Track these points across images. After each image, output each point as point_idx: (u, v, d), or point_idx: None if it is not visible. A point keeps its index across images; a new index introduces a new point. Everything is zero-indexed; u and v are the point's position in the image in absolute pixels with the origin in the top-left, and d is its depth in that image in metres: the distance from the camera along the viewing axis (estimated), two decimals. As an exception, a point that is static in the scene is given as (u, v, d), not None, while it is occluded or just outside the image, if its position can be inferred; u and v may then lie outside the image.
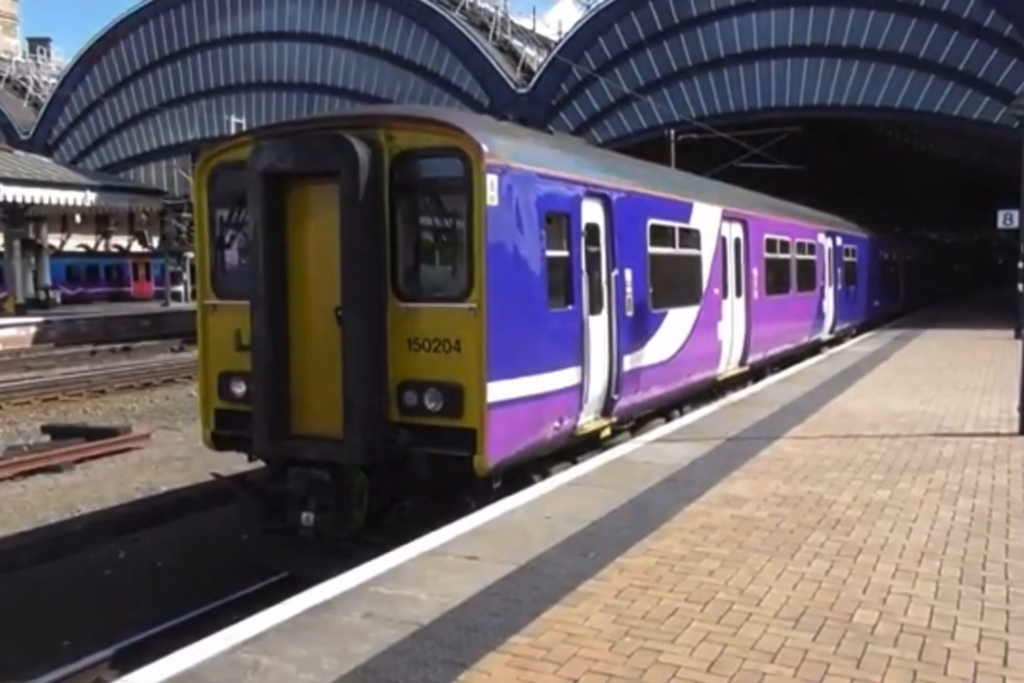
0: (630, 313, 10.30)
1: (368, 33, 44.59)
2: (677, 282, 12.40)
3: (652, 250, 11.11)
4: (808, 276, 19.99)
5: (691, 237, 12.83)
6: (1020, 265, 21.92)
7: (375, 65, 44.53)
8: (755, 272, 15.62)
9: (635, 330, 10.47)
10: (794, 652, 4.63)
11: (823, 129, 32.27)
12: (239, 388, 8.37)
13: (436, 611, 5.18)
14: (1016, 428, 10.58)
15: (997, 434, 10.46)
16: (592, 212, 9.58)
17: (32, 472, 13.30)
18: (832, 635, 4.84)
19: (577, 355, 9.07)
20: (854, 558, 6.10)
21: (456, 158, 7.67)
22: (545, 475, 8.83)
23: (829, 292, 22.06)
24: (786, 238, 18.04)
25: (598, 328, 9.61)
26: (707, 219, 13.36)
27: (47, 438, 15.84)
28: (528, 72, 41.87)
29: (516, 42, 44.87)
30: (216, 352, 8.65)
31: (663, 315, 11.45)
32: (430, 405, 7.70)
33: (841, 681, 4.31)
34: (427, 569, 5.93)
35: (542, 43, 46.92)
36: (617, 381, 9.90)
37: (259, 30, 47.62)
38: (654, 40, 37.99)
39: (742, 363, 15.09)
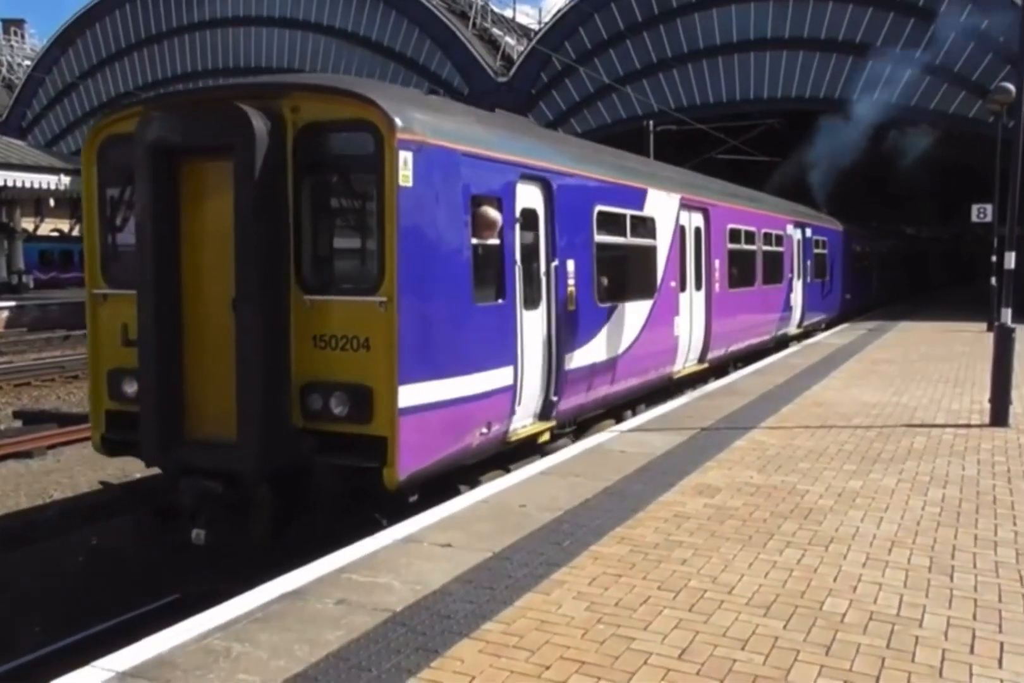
0: (573, 307, 9.61)
1: (347, 20, 44.28)
2: (629, 274, 11.81)
3: (600, 239, 10.36)
4: (775, 268, 19.32)
5: (645, 226, 12.04)
6: (993, 259, 22.12)
7: (353, 52, 44.24)
8: (717, 264, 14.94)
9: (579, 326, 9.82)
10: (765, 639, 4.67)
11: (802, 122, 32.27)
12: (130, 387, 7.52)
13: (409, 598, 5.18)
14: (987, 419, 10.70)
15: (968, 425, 10.58)
16: (529, 197, 8.85)
17: (3, 458, 13.17)
18: (802, 623, 4.88)
19: (509, 354, 8.36)
20: (825, 547, 6.16)
21: (366, 132, 6.88)
22: (474, 484, 8.12)
23: (798, 285, 21.49)
24: (751, 228, 17.30)
25: (534, 324, 8.91)
26: (663, 207, 12.59)
27: (19, 423, 15.70)
28: (508, 61, 41.73)
29: (496, 31, 44.70)
30: (106, 347, 7.80)
31: (612, 309, 10.81)
32: (337, 409, 6.93)
33: (811, 668, 4.35)
34: (401, 556, 5.93)
35: (522, 32, 46.75)
36: (557, 381, 9.23)
37: (236, 15, 47.20)
38: (634, 31, 37.93)
39: (702, 359, 14.52)
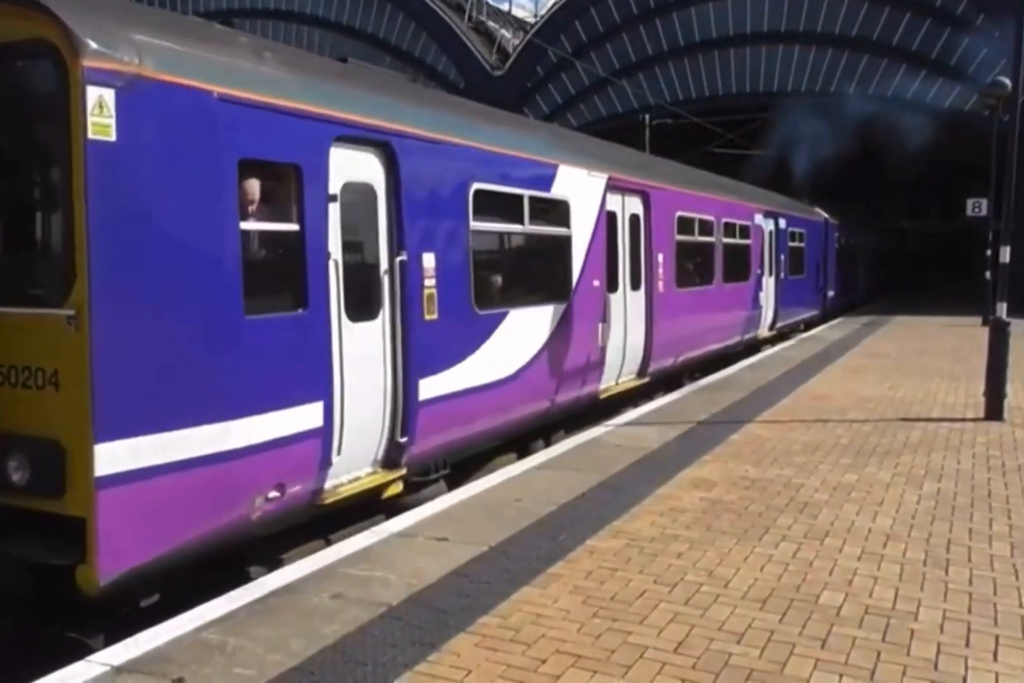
0: (433, 316, 7.38)
1: (342, 12, 44.12)
2: (528, 272, 9.65)
3: (480, 226, 8.18)
4: (740, 263, 17.22)
5: (553, 211, 9.79)
6: (988, 253, 22.17)
7: (349, 45, 43.97)
8: (661, 258, 12.72)
9: (444, 341, 7.58)
10: (761, 633, 4.67)
11: (796, 116, 32.27)
12: None
13: (405, 592, 5.18)
14: (982, 413, 10.72)
15: (963, 419, 10.59)
16: (359, 166, 6.70)
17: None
18: (798, 616, 4.89)
19: (317, 384, 6.17)
20: (821, 541, 6.16)
21: (43, 59, 4.75)
22: (275, 564, 6.01)
23: (769, 282, 19.45)
24: (708, 217, 15.07)
25: (368, 340, 6.73)
26: (581, 188, 10.33)
27: None
28: (504, 54, 41.62)
29: (492, 24, 44.58)
30: None
31: (500, 317, 8.54)
32: (15, 475, 4.89)
33: (806, 661, 4.35)
34: (397, 551, 5.93)
35: (518, 25, 46.64)
36: (407, 416, 7.01)
37: (232, 7, 46.98)
38: (630, 24, 37.85)
39: (641, 373, 12.29)
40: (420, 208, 7.27)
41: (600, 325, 10.80)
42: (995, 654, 4.45)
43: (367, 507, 6.97)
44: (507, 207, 8.88)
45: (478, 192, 8.14)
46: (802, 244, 22.73)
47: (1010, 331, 10.83)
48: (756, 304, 18.43)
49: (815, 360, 16.20)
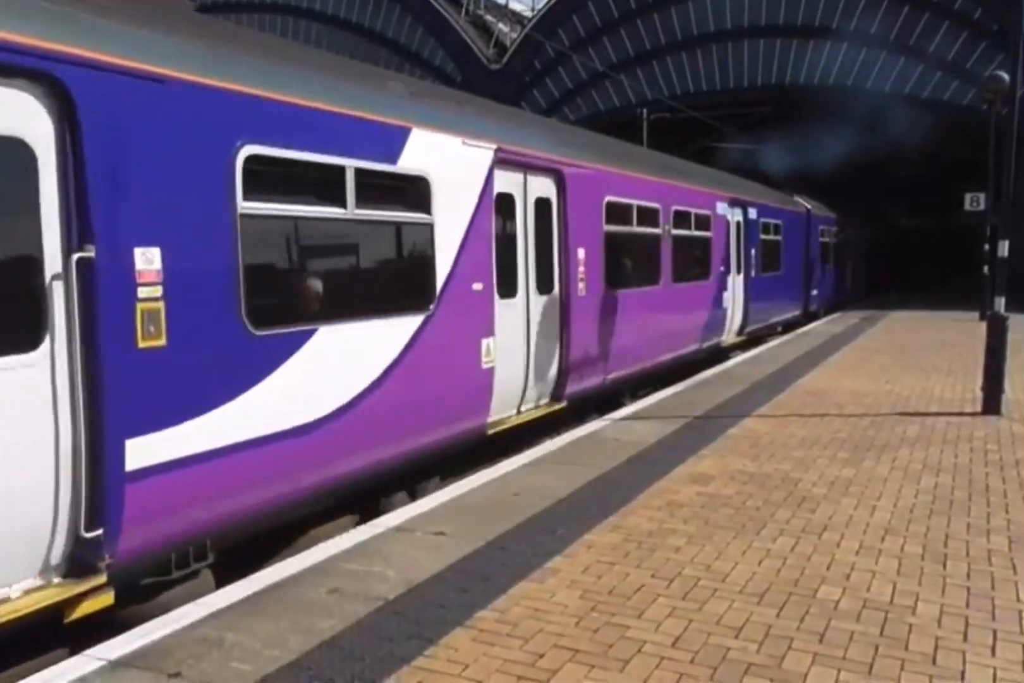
0: (157, 342, 5.08)
1: (339, 6, 44.01)
2: (355, 273, 7.11)
3: (255, 209, 5.79)
4: (698, 259, 15.09)
5: (404, 191, 7.46)
6: (986, 247, 22.17)
7: (346, 39, 43.92)
8: (582, 254, 10.37)
9: (182, 376, 5.25)
10: (758, 627, 4.67)
11: (795, 110, 32.24)
12: None
13: (403, 587, 5.17)
14: (979, 408, 10.72)
15: (960, 413, 10.59)
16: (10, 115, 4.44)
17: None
18: (796, 610, 4.88)
19: None
20: (819, 535, 6.16)
21: None
22: None
23: (736, 281, 17.33)
24: (651, 205, 12.80)
25: (17, 385, 4.45)
26: (452, 162, 7.91)
27: None
28: (501, 48, 41.53)
29: (489, 18, 44.49)
30: None
31: (301, 338, 6.19)
32: None
33: (804, 656, 4.35)
34: (394, 545, 5.92)
35: (515, 19, 46.55)
36: (101, 497, 4.77)
37: (228, 1, 46.87)
38: (628, 19, 37.77)
39: (557, 397, 10.04)
40: (128, 180, 4.94)
41: (485, 341, 8.46)
42: (993, 649, 4.45)
43: (44, 634, 4.82)
44: (315, 183, 6.51)
45: (255, 159, 5.79)
46: (778, 237, 20.56)
47: (1008, 326, 10.83)
48: (719, 306, 16.19)
49: (812, 355, 16.21)
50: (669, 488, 7.31)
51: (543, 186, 9.73)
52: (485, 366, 8.48)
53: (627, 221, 12.02)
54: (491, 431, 8.70)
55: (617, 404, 11.73)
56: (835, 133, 30.28)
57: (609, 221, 11.24)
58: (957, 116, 32.03)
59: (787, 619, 4.77)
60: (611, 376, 11.43)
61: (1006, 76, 15.48)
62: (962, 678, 4.13)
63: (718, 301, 16.13)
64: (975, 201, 25.40)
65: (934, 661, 4.31)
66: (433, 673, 4.16)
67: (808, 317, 24.17)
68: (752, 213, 18.28)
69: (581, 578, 5.36)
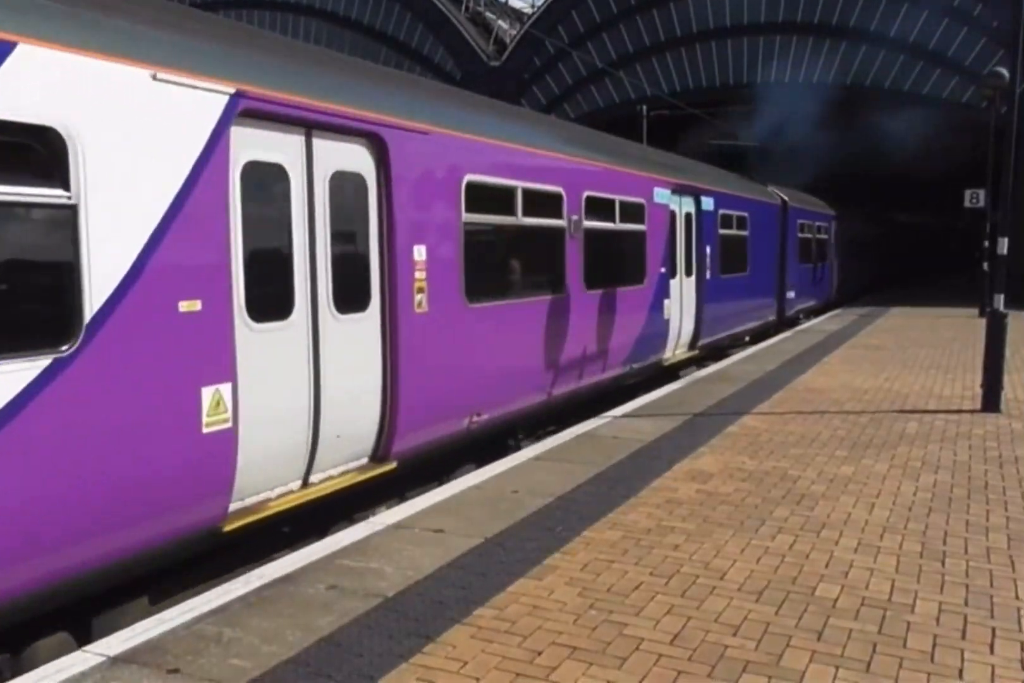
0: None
1: (339, 3, 43.97)
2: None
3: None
4: (626, 260, 12.09)
5: (10, 155, 4.48)
6: (986, 244, 22.17)
7: (345, 36, 43.90)
8: (418, 255, 7.44)
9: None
10: (757, 625, 4.67)
11: (792, 106, 32.23)
12: None
13: (401, 583, 5.17)
14: (978, 405, 10.73)
15: (959, 411, 10.60)
16: None
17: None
18: (794, 608, 4.88)
19: None
20: (817, 533, 6.16)
21: None
22: None
23: (685, 284, 14.39)
24: (550, 189, 9.83)
25: None
26: (124, 108, 4.99)
27: None
28: (501, 45, 41.51)
29: (489, 14, 44.43)
30: None
31: None
32: None
33: (802, 653, 4.35)
34: (393, 542, 5.92)
35: (515, 16, 46.49)
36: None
37: (227, -3, 46.82)
38: (627, 15, 37.77)
39: (380, 456, 7.18)
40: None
41: (209, 390, 5.50)
42: (991, 646, 4.45)
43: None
44: None
45: None
46: (744, 232, 17.72)
47: (1007, 323, 10.83)
48: (658, 316, 13.08)
49: (811, 352, 16.20)
50: (668, 485, 7.31)
51: (348, 155, 6.85)
52: (212, 429, 5.50)
53: (506, 210, 9.01)
54: (231, 526, 5.73)
55: (499, 452, 9.16)
56: (835, 131, 30.28)
57: (473, 209, 8.29)
58: (956, 114, 32.03)
59: (785, 617, 4.78)
60: (481, 418, 8.51)
61: (1006, 73, 15.46)
62: (960, 676, 4.13)
63: (656, 310, 13.01)
64: (975, 197, 25.41)
65: (932, 659, 4.31)
66: (431, 670, 4.16)
67: (785, 323, 21.52)
68: (708, 203, 15.23)
69: (580, 575, 5.36)
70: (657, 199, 12.98)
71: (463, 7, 42.78)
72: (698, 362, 15.35)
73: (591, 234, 10.86)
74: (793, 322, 22.37)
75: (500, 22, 44.67)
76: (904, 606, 4.92)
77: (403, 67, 40.79)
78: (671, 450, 8.52)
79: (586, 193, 10.72)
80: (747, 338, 19.07)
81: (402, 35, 42.86)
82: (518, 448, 9.48)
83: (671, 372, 14.21)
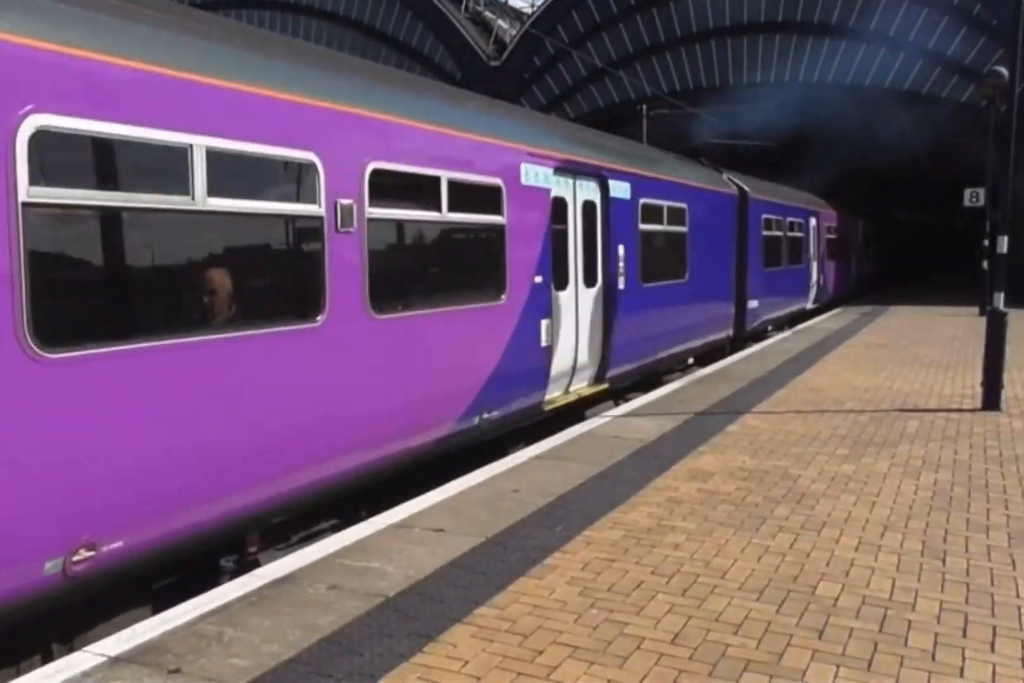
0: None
1: (339, 3, 43.96)
2: None
3: None
4: (469, 266, 8.57)
5: None
6: (985, 242, 22.15)
7: (345, 35, 43.87)
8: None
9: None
10: (758, 624, 4.67)
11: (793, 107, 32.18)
12: None
13: (402, 583, 5.17)
14: (979, 404, 10.72)
15: (960, 409, 10.60)
16: None
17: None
18: (795, 607, 4.88)
19: None
20: (818, 531, 6.16)
21: None
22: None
23: (581, 299, 10.79)
24: (290, 155, 6.00)
25: None
26: None
27: None
28: (501, 45, 41.47)
29: (489, 14, 44.40)
30: None
31: None
32: None
33: (803, 652, 4.35)
34: (394, 541, 5.92)
35: (515, 15, 46.45)
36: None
37: (227, -3, 46.79)
38: (627, 15, 37.73)
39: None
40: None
41: None
42: (992, 645, 4.45)
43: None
44: None
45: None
46: (680, 228, 14.16)
47: (1007, 321, 10.82)
48: (525, 344, 9.35)
49: (812, 351, 16.20)
50: (668, 484, 7.31)
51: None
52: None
53: (176, 188, 5.16)
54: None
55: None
56: (834, 130, 30.28)
57: (65, 184, 4.58)
58: (957, 112, 31.99)
59: (786, 616, 4.77)
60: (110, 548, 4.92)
61: (1005, 71, 15.45)
62: (961, 674, 4.13)
63: (524, 336, 9.32)
64: (974, 196, 25.40)
65: (933, 657, 4.30)
66: (432, 669, 4.16)
67: (746, 338, 18.25)
68: (620, 189, 11.71)
69: (580, 574, 5.36)
70: (527, 181, 9.39)
71: (463, 7, 42.74)
72: (615, 396, 12.01)
73: (385, 229, 7.20)
74: (759, 336, 19.25)
75: (500, 22, 44.64)
76: (905, 605, 4.92)
77: (403, 66, 40.80)
78: (672, 449, 8.52)
79: (373, 165, 6.85)
80: (691, 360, 15.61)
81: (402, 35, 42.81)
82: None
83: (568, 414, 10.62)
